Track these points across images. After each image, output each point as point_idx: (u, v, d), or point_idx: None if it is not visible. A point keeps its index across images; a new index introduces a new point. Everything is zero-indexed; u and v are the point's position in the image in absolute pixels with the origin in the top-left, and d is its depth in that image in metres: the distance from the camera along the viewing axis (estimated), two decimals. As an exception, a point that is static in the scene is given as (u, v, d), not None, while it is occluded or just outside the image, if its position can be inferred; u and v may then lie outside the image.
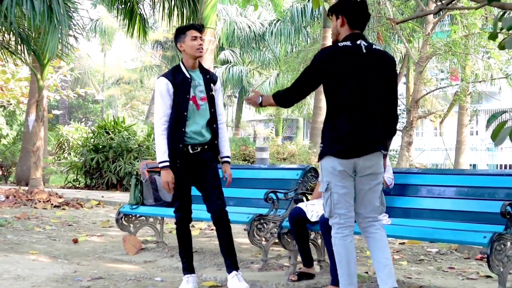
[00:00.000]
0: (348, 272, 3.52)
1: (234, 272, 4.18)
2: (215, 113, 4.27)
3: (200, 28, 4.27)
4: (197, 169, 4.22)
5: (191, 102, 4.14)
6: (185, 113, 4.12)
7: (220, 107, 4.35)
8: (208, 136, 4.22)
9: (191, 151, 4.16)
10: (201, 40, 4.20)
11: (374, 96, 3.51)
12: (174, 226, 4.41)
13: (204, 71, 4.31)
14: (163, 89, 4.13)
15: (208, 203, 4.27)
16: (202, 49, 4.24)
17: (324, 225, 3.99)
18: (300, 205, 4.54)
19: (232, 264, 4.22)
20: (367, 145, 3.50)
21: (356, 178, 3.53)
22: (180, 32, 4.24)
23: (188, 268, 4.29)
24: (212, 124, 4.24)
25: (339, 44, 3.55)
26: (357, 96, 3.48)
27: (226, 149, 4.35)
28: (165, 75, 4.20)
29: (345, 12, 3.56)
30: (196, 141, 4.18)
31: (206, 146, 4.22)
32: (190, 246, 4.36)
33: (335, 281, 3.88)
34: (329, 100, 3.59)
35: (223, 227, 4.26)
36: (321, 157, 3.55)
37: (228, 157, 4.35)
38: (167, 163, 4.12)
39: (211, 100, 4.23)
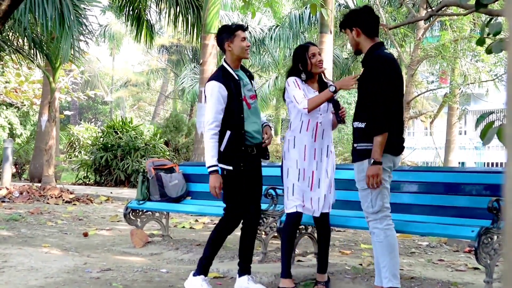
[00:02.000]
0: (397, 261, 3.58)
1: (247, 276, 4.05)
2: (257, 109, 4.10)
3: (246, 29, 4.04)
4: (250, 172, 4.00)
5: (244, 102, 3.92)
6: (242, 115, 3.89)
7: None
8: (258, 139, 4.02)
9: (251, 152, 3.95)
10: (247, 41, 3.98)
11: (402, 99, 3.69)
12: (178, 220, 4.39)
13: (245, 69, 4.11)
14: (217, 93, 3.83)
15: (249, 209, 4.07)
16: (249, 50, 4.01)
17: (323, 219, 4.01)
18: (296, 200, 3.95)
19: (247, 268, 4.08)
20: (403, 143, 3.70)
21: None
22: (228, 31, 3.94)
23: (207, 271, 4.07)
24: (258, 119, 4.06)
25: (386, 52, 3.64)
26: (399, 100, 3.60)
27: (264, 119, 4.20)
28: (217, 79, 3.88)
29: (358, 23, 3.62)
30: (258, 141, 3.98)
31: (255, 151, 4.00)
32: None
33: (286, 273, 3.97)
34: None
35: (250, 236, 4.11)
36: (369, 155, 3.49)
37: (267, 122, 4.15)
38: (216, 168, 3.83)
39: (257, 97, 4.07)
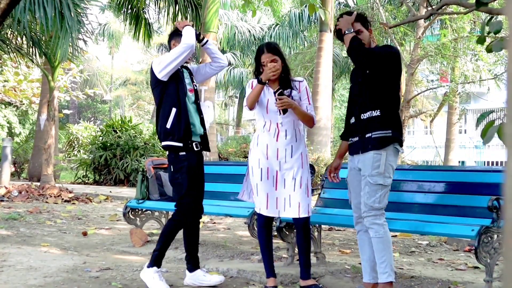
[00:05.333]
0: (392, 256, 3.61)
1: (200, 269, 4.21)
2: (200, 104, 4.21)
3: (198, 39, 4.18)
4: (196, 164, 4.10)
5: (186, 87, 4.07)
6: (185, 96, 4.02)
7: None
8: (202, 129, 4.15)
9: (195, 148, 4.08)
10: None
11: None
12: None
13: (184, 66, 4.20)
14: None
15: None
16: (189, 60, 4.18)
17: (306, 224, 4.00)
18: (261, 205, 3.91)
19: (197, 263, 4.24)
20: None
21: None
22: (177, 34, 4.13)
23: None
24: (200, 114, 4.18)
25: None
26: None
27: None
28: None
29: (370, 24, 3.77)
30: (196, 130, 4.10)
31: (199, 147, 4.11)
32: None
33: (267, 273, 3.97)
34: (393, 95, 3.63)
35: (196, 232, 4.25)
36: (387, 147, 3.55)
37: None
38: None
39: (196, 93, 4.17)
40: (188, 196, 4.03)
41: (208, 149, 4.23)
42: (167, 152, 4.15)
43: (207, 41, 4.27)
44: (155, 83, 4.06)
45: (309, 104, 3.98)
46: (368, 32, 3.68)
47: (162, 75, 3.99)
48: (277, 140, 3.87)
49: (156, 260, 4.03)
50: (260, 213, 3.91)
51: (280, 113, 3.81)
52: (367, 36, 3.67)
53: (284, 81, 3.91)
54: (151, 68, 4.09)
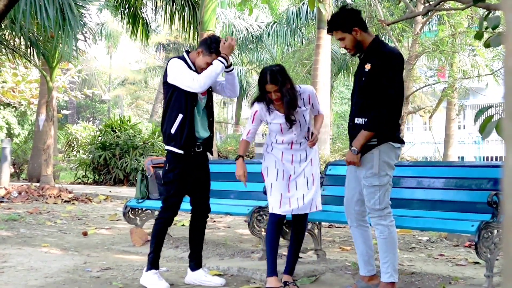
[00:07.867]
0: (398, 256, 3.67)
1: (202, 269, 4.23)
2: (212, 107, 4.20)
3: (220, 56, 4.03)
4: (195, 170, 4.10)
5: (200, 95, 4.03)
6: (194, 103, 3.98)
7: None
8: (206, 133, 4.14)
9: (197, 149, 4.06)
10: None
11: None
12: (178, 218, 4.40)
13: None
14: (183, 65, 3.94)
15: (199, 205, 4.25)
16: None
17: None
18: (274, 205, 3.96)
19: (200, 263, 4.26)
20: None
21: None
22: (210, 46, 3.98)
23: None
24: (209, 117, 4.16)
25: (393, 47, 3.73)
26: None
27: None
28: (179, 58, 4.02)
29: (356, 22, 3.56)
30: (204, 136, 4.09)
31: (201, 148, 4.11)
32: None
33: (271, 272, 3.95)
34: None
35: (201, 232, 4.27)
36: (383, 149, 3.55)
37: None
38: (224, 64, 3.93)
39: (209, 95, 4.15)
40: (176, 196, 4.07)
41: (210, 152, 4.24)
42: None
43: (232, 69, 4.16)
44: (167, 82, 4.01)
45: (319, 104, 4.11)
46: (352, 34, 3.54)
47: (198, 88, 3.90)
48: (291, 148, 3.97)
49: (152, 263, 4.06)
50: (272, 212, 3.93)
51: (289, 127, 3.92)
52: (351, 39, 3.56)
53: (290, 104, 3.88)
54: (166, 68, 4.00)
